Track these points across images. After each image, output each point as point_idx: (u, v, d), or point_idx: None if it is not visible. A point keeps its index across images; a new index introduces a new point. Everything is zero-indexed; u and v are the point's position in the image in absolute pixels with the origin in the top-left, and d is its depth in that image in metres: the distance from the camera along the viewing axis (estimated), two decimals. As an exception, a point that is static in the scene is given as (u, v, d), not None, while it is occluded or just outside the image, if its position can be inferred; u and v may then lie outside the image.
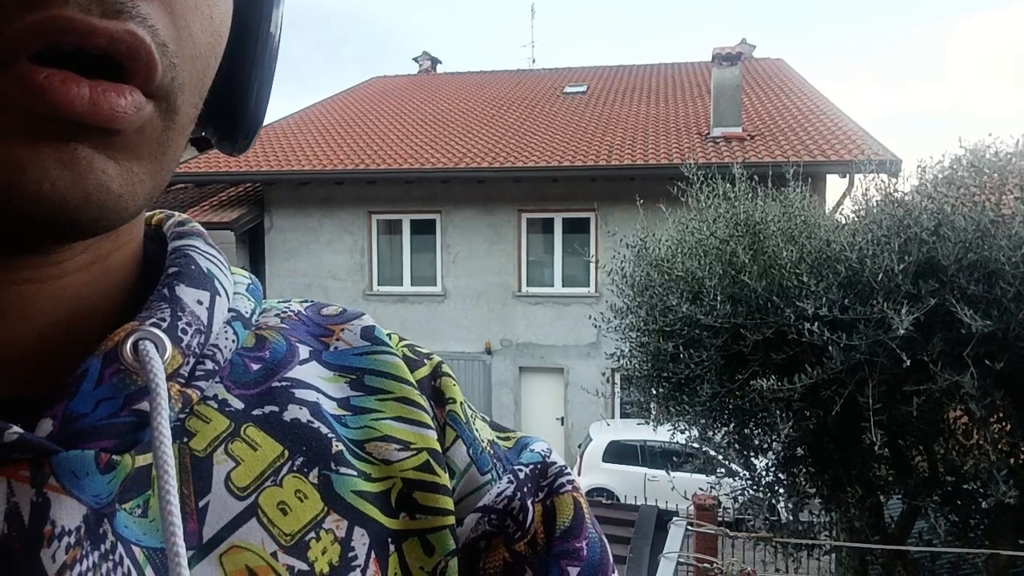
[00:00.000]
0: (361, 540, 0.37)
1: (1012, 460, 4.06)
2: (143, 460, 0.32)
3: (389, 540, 0.38)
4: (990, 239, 3.68)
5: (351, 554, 0.37)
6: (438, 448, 0.42)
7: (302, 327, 0.45)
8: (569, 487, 0.45)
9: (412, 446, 0.41)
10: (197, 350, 0.35)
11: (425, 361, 0.47)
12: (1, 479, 0.29)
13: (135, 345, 0.32)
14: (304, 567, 0.35)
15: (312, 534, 0.36)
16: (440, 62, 19.99)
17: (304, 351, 0.43)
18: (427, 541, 0.39)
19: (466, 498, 0.42)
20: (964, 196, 3.94)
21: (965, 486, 4.34)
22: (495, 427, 0.50)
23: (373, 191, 12.32)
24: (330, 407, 0.41)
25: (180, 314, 0.35)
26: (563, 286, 12.16)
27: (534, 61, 20.44)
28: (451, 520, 0.40)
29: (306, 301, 0.48)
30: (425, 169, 11.88)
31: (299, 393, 0.40)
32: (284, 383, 0.40)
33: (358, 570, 0.37)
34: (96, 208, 0.27)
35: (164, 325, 0.34)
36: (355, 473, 0.39)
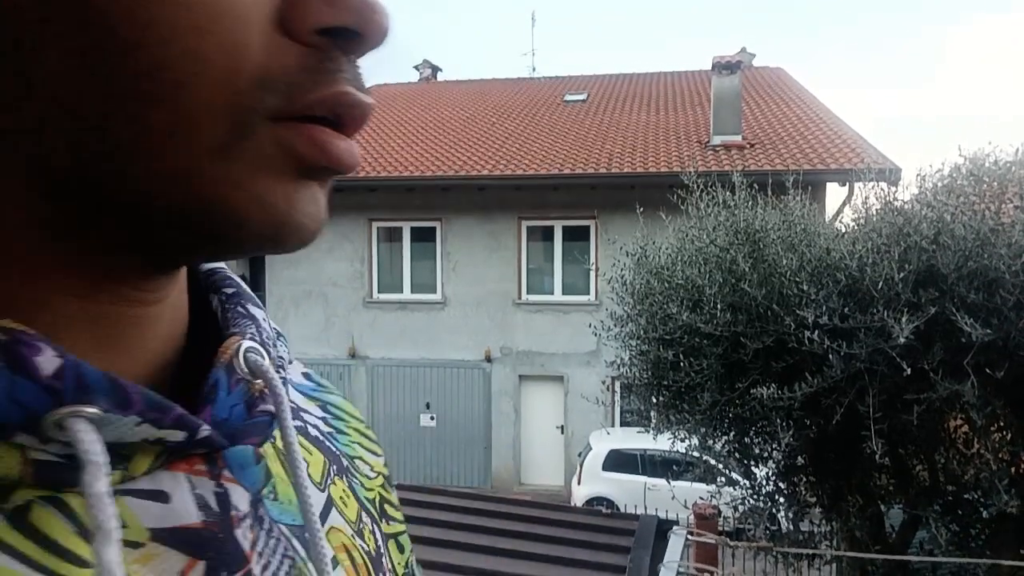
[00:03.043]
0: (380, 536, 0.47)
1: (1013, 469, 4.05)
2: (263, 452, 0.38)
3: (385, 539, 0.48)
4: (990, 248, 3.68)
5: (377, 544, 0.46)
6: (387, 472, 0.52)
7: None
8: None
9: (374, 469, 0.51)
10: (278, 361, 0.40)
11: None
12: (178, 474, 0.33)
13: (245, 356, 0.36)
14: (367, 548, 0.44)
15: (361, 524, 0.45)
16: (441, 70, 20.05)
17: None
18: (399, 543, 0.50)
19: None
20: (964, 204, 3.94)
21: (966, 495, 4.32)
22: None
23: (373, 198, 12.33)
24: (322, 427, 0.48)
25: (260, 329, 0.39)
26: (563, 294, 12.16)
27: (534, 69, 20.43)
28: (404, 527, 0.51)
29: None
30: (425, 177, 11.90)
31: (303, 414, 0.46)
32: (292, 403, 0.44)
33: (383, 558, 0.46)
34: (315, 234, 0.33)
35: (258, 339, 0.38)
36: (360, 484, 0.47)
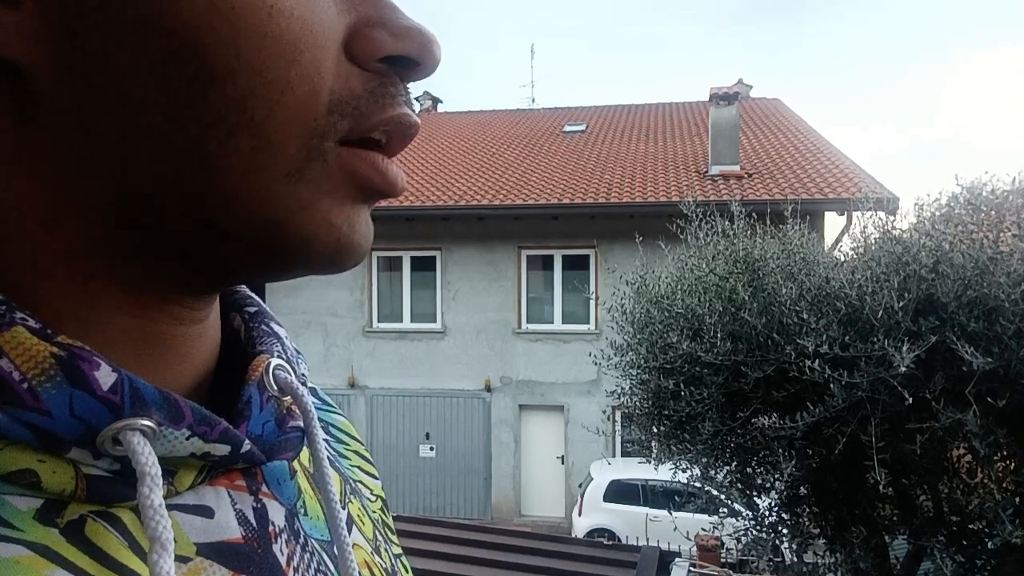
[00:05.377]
0: (391, 556, 0.47)
1: (1017, 499, 4.01)
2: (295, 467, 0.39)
3: (395, 559, 0.48)
4: (989, 276, 3.69)
5: (392, 562, 0.47)
6: (384, 496, 0.53)
7: None
8: None
9: (374, 492, 0.51)
10: (302, 378, 0.41)
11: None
12: (220, 489, 0.33)
13: (274, 374, 0.37)
14: (384, 566, 0.45)
15: (376, 542, 0.46)
16: (441, 101, 20.24)
17: None
18: (403, 563, 0.50)
19: None
20: (962, 233, 3.95)
21: (971, 526, 4.28)
22: None
23: (374, 228, 12.35)
24: (329, 448, 0.48)
25: (285, 347, 0.40)
26: (563, 323, 12.15)
27: (534, 101, 20.64)
28: (401, 551, 0.51)
29: None
30: (425, 207, 11.96)
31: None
32: None
33: (400, 572, 0.47)
34: (366, 253, 0.35)
35: (284, 357, 0.39)
36: (366, 506, 0.48)
